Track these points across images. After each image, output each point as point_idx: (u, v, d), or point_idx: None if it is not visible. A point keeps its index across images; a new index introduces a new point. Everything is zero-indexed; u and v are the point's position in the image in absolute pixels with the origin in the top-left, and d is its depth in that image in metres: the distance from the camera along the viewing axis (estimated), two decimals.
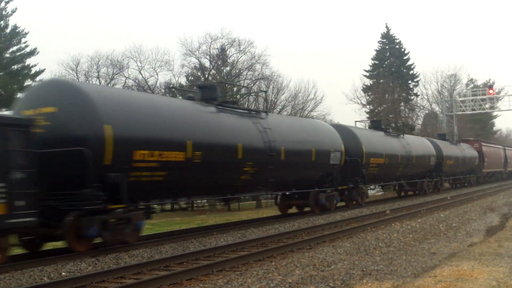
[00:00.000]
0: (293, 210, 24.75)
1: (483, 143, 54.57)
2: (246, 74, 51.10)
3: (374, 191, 42.27)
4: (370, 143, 28.15)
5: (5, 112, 19.69)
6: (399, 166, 31.84)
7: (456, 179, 46.35)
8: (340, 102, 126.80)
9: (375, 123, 33.96)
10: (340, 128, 26.90)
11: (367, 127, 33.13)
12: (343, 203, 26.14)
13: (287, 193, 22.98)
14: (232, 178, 18.51)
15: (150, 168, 14.93)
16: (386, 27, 72.53)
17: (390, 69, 69.54)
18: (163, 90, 51.06)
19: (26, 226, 12.20)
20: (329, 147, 24.04)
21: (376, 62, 70.62)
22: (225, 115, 18.79)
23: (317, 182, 23.61)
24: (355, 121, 33.14)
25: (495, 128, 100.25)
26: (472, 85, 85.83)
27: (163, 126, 15.57)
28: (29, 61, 42.22)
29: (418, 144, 35.99)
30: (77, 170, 13.18)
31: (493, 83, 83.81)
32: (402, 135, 34.38)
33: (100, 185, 13.47)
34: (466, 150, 47.75)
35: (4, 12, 41.66)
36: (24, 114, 13.76)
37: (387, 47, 71.03)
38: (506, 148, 66.64)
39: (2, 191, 11.57)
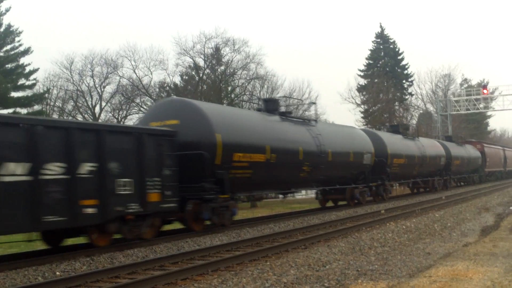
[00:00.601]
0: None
1: (484, 144, 57.66)
2: (241, 74, 51.08)
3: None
4: (393, 145, 32.00)
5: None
6: (415, 166, 35.55)
7: (462, 177, 49.91)
8: (335, 102, 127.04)
9: (394, 127, 38.17)
10: (368, 132, 31.05)
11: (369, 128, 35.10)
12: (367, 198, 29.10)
13: (327, 188, 26.11)
14: (294, 176, 22.42)
15: (242, 167, 18.83)
16: (380, 26, 72.62)
17: (385, 69, 69.58)
18: (157, 90, 51.03)
19: (171, 211, 16.15)
20: (362, 150, 27.90)
21: (371, 61, 70.66)
22: (287, 124, 22.77)
23: (352, 179, 27.54)
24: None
25: (489, 128, 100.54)
26: (466, 85, 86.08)
27: (251, 134, 19.67)
28: (23, 60, 42.10)
29: (431, 146, 39.56)
30: (198, 168, 17.13)
31: (487, 83, 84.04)
32: (417, 138, 38.14)
33: (213, 180, 17.47)
34: (471, 151, 51.17)
35: None
36: (152, 125, 17.60)
37: (381, 46, 71.06)
38: (505, 148, 68.34)
39: (158, 184, 15.49)
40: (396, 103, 69.93)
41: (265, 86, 52.32)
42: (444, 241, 15.08)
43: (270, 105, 23.04)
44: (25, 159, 12.05)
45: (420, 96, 79.64)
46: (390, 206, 26.71)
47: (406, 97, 73.24)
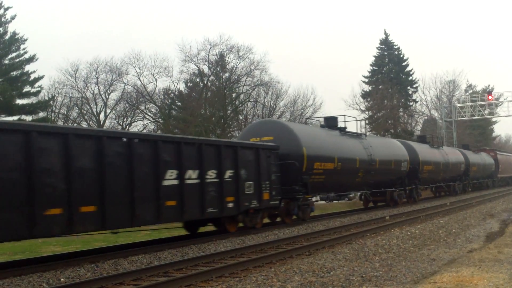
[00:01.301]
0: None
1: (497, 152, 61.97)
2: (245, 80, 51.23)
3: None
4: (423, 153, 36.49)
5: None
6: (440, 172, 39.81)
7: (478, 182, 52.97)
8: (339, 108, 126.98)
9: (421, 138, 43.49)
10: (403, 143, 35.21)
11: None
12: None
13: (368, 192, 30.14)
14: (352, 180, 27.21)
15: (319, 173, 23.51)
16: (385, 33, 72.62)
17: (389, 75, 69.59)
18: (162, 96, 51.15)
19: (275, 206, 21.09)
20: (400, 158, 32.23)
21: (375, 68, 70.66)
22: (345, 137, 27.39)
23: (392, 183, 31.72)
24: (306, 118, 34.91)
25: (494, 134, 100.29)
26: (471, 91, 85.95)
27: (325, 147, 24.29)
28: (28, 68, 42.33)
29: (452, 154, 44.27)
30: (290, 174, 21.52)
31: (492, 89, 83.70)
32: (441, 147, 42.77)
33: (300, 183, 22.03)
34: (485, 158, 55.22)
35: (3, 19, 41.75)
36: (251, 140, 21.87)
37: (385, 53, 71.07)
38: None
39: (268, 186, 20.11)
40: (401, 110, 69.90)
41: (270, 93, 52.50)
42: (449, 247, 15.04)
43: (331, 122, 27.77)
44: (196, 168, 16.65)
45: (424, 102, 79.69)
46: (419, 207, 29.65)
47: (411, 103, 73.20)
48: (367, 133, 38.03)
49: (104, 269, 12.32)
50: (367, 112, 67.80)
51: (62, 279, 11.25)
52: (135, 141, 14.73)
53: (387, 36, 71.55)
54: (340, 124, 27.86)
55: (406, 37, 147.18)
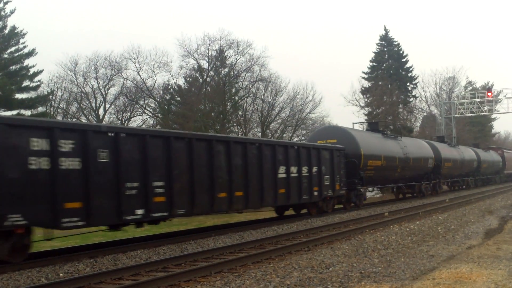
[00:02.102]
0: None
1: (504, 150, 67.58)
2: (245, 76, 51.13)
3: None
4: (444, 152, 42.12)
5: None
6: (457, 168, 45.57)
7: (487, 178, 58.48)
8: (338, 104, 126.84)
9: (440, 138, 48.50)
10: (428, 142, 40.70)
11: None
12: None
13: (400, 185, 35.19)
14: (392, 175, 32.71)
15: (370, 169, 28.98)
16: (385, 29, 72.43)
17: (389, 71, 69.47)
18: (161, 92, 51.07)
19: (342, 195, 26.01)
20: (427, 156, 37.65)
21: (375, 64, 70.53)
22: (386, 139, 33.01)
23: (420, 178, 36.97)
24: (353, 123, 38.04)
25: (493, 131, 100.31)
26: (470, 87, 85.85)
27: (375, 148, 29.82)
28: (28, 62, 42.20)
29: (467, 152, 49.71)
30: (350, 170, 26.76)
31: (492, 85, 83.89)
32: (458, 146, 49.06)
33: (358, 177, 27.25)
34: (494, 156, 60.38)
35: (2, 13, 41.62)
36: (318, 143, 26.36)
37: (385, 49, 70.93)
38: None
39: (338, 179, 25.15)
40: (400, 106, 69.82)
41: (269, 88, 52.42)
42: (448, 244, 15.04)
43: (374, 126, 34.62)
44: (296, 165, 21.77)
45: (424, 99, 79.60)
46: (437, 200, 32.40)
47: (410, 99, 73.10)
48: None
49: (103, 264, 12.32)
50: (366, 108, 67.78)
51: (61, 274, 11.25)
52: (263, 145, 20.01)
53: (387, 32, 71.42)
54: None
55: (406, 33, 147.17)
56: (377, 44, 71.48)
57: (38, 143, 12.18)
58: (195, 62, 50.23)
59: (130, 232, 20.05)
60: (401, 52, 71.27)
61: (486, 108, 64.96)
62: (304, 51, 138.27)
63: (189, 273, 10.75)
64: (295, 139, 52.44)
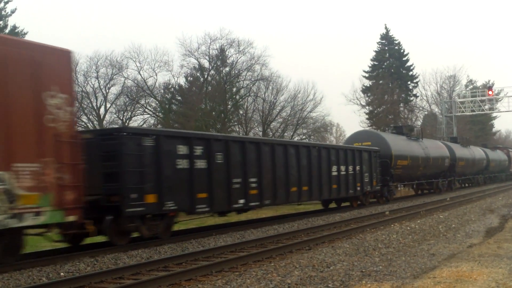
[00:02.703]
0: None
1: (510, 149, 71.46)
2: (246, 75, 51.12)
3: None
4: (458, 151, 46.48)
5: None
6: (469, 167, 49.75)
7: (494, 176, 62.32)
8: (339, 103, 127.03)
9: (453, 139, 52.16)
10: (443, 143, 45.27)
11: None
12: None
13: (421, 182, 39.14)
14: (416, 173, 37.05)
15: (398, 168, 33.29)
16: (386, 28, 72.50)
17: (390, 70, 69.49)
18: (162, 91, 51.06)
19: (377, 191, 30.26)
20: (444, 156, 42.05)
21: (376, 63, 70.55)
22: (410, 141, 37.31)
23: (438, 176, 41.24)
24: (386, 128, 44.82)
25: (494, 130, 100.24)
26: (471, 86, 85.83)
27: (402, 149, 34.43)
28: None
29: (477, 152, 53.61)
30: (383, 168, 30.84)
31: (493, 84, 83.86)
32: (470, 146, 52.49)
33: (390, 175, 31.67)
34: (500, 155, 64.01)
35: (3, 12, 41.68)
36: (355, 145, 30.00)
37: (386, 48, 70.95)
38: None
39: (375, 176, 29.13)
40: (401, 104, 69.83)
41: (270, 88, 52.41)
42: (449, 242, 15.04)
43: (398, 129, 38.95)
44: (344, 164, 25.93)
45: (425, 98, 79.52)
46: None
47: (411, 98, 73.12)
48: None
49: (104, 264, 12.33)
50: (367, 107, 67.79)
51: (62, 274, 11.26)
52: (322, 148, 24.59)
53: (387, 31, 71.45)
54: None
55: (407, 32, 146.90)
56: (378, 43, 71.56)
57: (182, 149, 16.39)
58: (196, 61, 50.25)
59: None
60: (402, 50, 71.30)
61: (487, 107, 64.97)
62: (305, 50, 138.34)
63: (190, 272, 10.76)
64: (296, 138, 52.43)
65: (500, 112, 69.25)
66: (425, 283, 9.50)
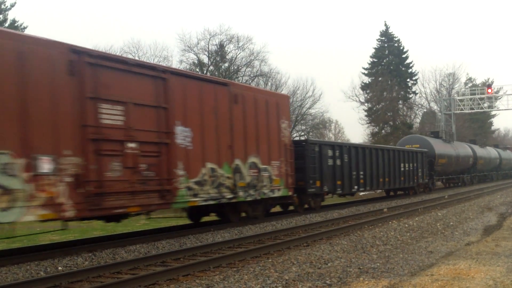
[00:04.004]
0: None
1: None
2: (245, 71, 51.13)
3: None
4: (479, 152, 54.70)
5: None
6: (486, 165, 57.81)
7: (504, 173, 70.17)
8: (338, 100, 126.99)
9: (472, 141, 58.88)
10: (467, 145, 53.37)
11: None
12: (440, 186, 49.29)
13: (452, 177, 48.32)
14: (449, 170, 45.94)
15: (439, 166, 42.11)
16: (385, 25, 72.50)
17: (389, 67, 69.45)
18: None
19: (426, 183, 39.11)
20: (469, 155, 51.01)
21: (375, 60, 70.50)
22: (445, 143, 46.24)
23: (463, 172, 50.28)
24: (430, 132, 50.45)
25: (493, 128, 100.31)
26: (470, 84, 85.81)
27: (441, 149, 43.14)
28: None
29: (492, 151, 61.75)
30: (430, 166, 39.89)
31: (492, 82, 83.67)
32: (486, 147, 61.18)
33: (433, 170, 40.79)
34: (510, 154, 71.53)
35: (3, 6, 41.58)
36: (406, 147, 37.60)
37: (385, 45, 70.89)
38: None
39: (424, 172, 38.25)
40: (400, 102, 69.82)
41: (269, 84, 52.42)
42: (447, 240, 15.06)
43: (435, 134, 47.47)
44: (407, 162, 34.25)
45: (424, 95, 79.55)
46: (452, 192, 38.67)
47: (410, 95, 73.09)
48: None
49: (101, 258, 12.33)
50: (366, 104, 67.78)
51: (59, 268, 11.26)
52: (395, 151, 33.05)
53: (387, 28, 71.39)
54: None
55: (407, 30, 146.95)
56: (377, 40, 71.49)
57: (330, 152, 25.30)
58: (195, 56, 50.25)
59: (129, 227, 20.09)
60: (401, 48, 71.25)
61: (486, 105, 64.96)
62: (304, 46, 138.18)
63: (188, 268, 10.76)
64: (295, 134, 52.44)
65: (499, 110, 69.26)
66: (423, 280, 9.51)
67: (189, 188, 15.74)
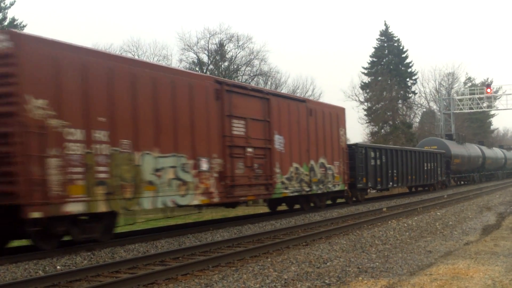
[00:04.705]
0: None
1: None
2: (245, 70, 51.14)
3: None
4: (487, 152, 59.74)
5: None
6: (493, 164, 63.19)
7: (509, 172, 75.35)
8: (338, 99, 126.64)
9: (480, 142, 63.23)
10: (477, 146, 58.56)
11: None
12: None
13: (464, 175, 53.59)
14: (462, 169, 51.20)
15: (454, 165, 48.01)
16: (385, 24, 72.60)
17: (388, 67, 69.47)
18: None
19: (444, 180, 45.23)
20: (479, 156, 56.17)
21: (375, 59, 70.53)
22: (458, 145, 51.23)
23: (473, 171, 55.80)
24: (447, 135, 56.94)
25: (492, 127, 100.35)
26: (470, 83, 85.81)
27: (456, 150, 49.08)
28: None
29: (498, 152, 66.85)
30: (447, 165, 45.77)
31: (491, 82, 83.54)
32: (492, 148, 65.98)
33: (449, 169, 46.60)
34: None
35: (2, 4, 41.56)
36: (425, 148, 43.73)
37: (385, 44, 70.92)
38: None
39: (442, 170, 44.21)
40: (400, 101, 69.85)
41: (269, 83, 52.42)
42: (446, 240, 15.06)
43: (449, 136, 53.42)
44: (429, 162, 40.12)
45: (423, 95, 79.60)
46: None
47: (410, 95, 73.13)
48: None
49: (100, 257, 12.32)
50: (366, 104, 67.79)
51: (58, 267, 11.25)
52: (419, 152, 38.17)
53: (387, 27, 71.44)
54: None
55: (406, 29, 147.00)
56: (377, 39, 71.57)
57: (372, 154, 30.36)
58: (195, 55, 50.25)
59: (127, 226, 20.04)
60: (401, 47, 71.28)
61: (485, 105, 65.04)
62: (304, 45, 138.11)
63: (187, 267, 10.75)
64: None
65: (498, 110, 69.47)
66: (422, 280, 9.51)
67: (283, 183, 20.65)
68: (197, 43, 49.59)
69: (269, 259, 11.84)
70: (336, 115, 25.54)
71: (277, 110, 20.52)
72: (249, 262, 11.68)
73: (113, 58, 14.49)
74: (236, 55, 50.49)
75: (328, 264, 11.35)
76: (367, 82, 68.45)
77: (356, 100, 68.11)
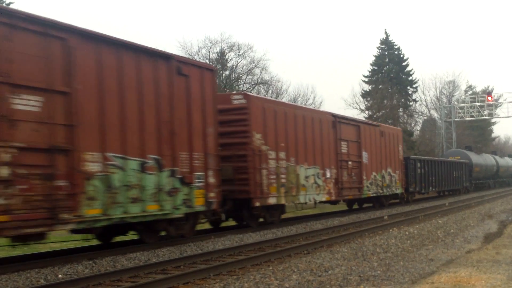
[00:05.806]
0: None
1: None
2: (246, 79, 51.20)
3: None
4: (499, 161, 65.46)
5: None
6: (505, 172, 69.93)
7: None
8: (339, 107, 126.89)
9: (493, 152, 70.13)
10: (491, 155, 64.96)
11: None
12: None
13: (481, 181, 59.23)
14: (480, 176, 58.84)
15: (475, 172, 55.81)
16: (385, 33, 72.74)
17: (389, 75, 69.55)
18: None
19: (467, 186, 53.19)
20: (493, 164, 62.23)
21: (375, 67, 70.63)
22: (477, 155, 59.10)
23: (489, 178, 62.17)
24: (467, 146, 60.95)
25: (493, 135, 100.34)
26: (470, 91, 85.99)
27: (476, 160, 56.86)
28: None
29: (509, 160, 73.47)
30: (469, 173, 53.26)
31: (492, 90, 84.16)
32: (504, 157, 74.11)
33: (471, 176, 54.22)
34: None
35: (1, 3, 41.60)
36: (450, 159, 50.42)
37: (386, 52, 71.04)
38: None
39: (466, 177, 52.85)
40: (400, 109, 69.87)
41: (270, 91, 52.48)
42: (447, 248, 15.04)
43: (468, 148, 58.49)
44: (455, 170, 48.26)
45: (424, 103, 79.74)
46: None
47: (410, 103, 73.19)
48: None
49: (102, 266, 12.31)
50: (366, 112, 67.81)
51: (60, 276, 11.24)
52: (448, 162, 46.03)
53: (387, 36, 71.58)
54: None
55: (407, 37, 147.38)
56: (377, 47, 71.69)
57: (418, 164, 38.56)
58: None
59: (129, 235, 20.00)
60: (401, 55, 71.40)
61: (486, 112, 65.14)
62: (305, 54, 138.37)
63: (188, 276, 10.75)
64: None
65: (499, 117, 69.54)
66: None
67: (367, 187, 28.34)
68: (198, 52, 49.74)
69: (270, 268, 11.83)
70: (397, 135, 33.64)
71: (363, 134, 28.24)
72: (250, 270, 11.67)
73: (283, 106, 22.77)
74: (237, 63, 50.65)
75: (329, 272, 11.34)
76: (367, 90, 68.51)
77: (357, 109, 68.18)
